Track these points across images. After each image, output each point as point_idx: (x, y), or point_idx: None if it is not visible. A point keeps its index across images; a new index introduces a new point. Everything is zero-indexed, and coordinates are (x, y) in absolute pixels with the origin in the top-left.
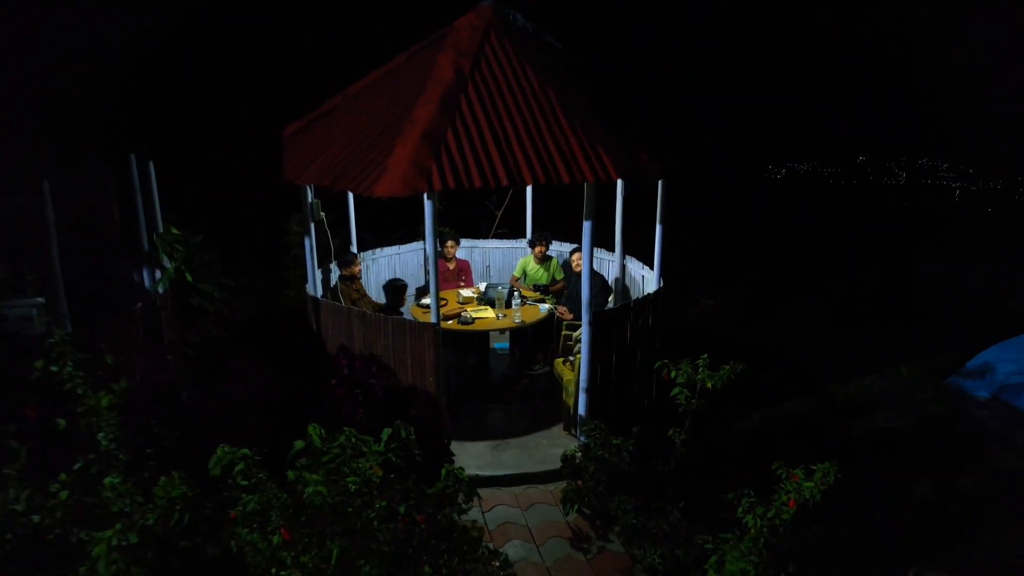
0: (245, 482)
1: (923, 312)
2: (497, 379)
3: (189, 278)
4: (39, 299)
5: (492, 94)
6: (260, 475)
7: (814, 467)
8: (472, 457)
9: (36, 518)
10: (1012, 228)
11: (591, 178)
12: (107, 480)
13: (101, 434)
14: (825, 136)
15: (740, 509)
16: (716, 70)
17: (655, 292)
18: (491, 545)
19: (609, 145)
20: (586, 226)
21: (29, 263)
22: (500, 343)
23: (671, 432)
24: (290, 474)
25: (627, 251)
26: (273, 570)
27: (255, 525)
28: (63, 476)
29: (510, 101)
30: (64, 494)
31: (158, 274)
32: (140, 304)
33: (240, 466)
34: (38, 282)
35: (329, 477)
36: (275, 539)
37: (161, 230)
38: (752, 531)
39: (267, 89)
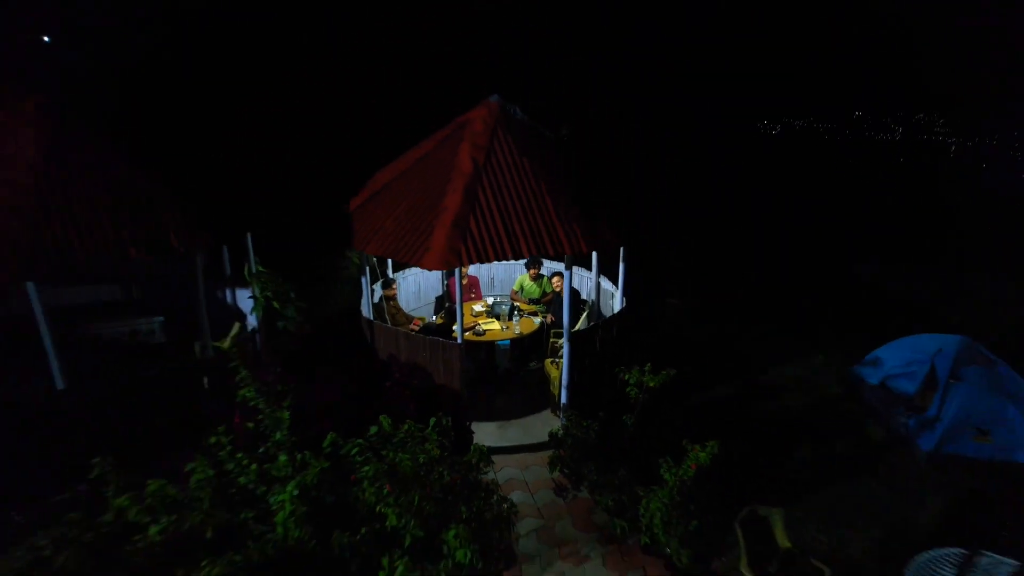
0: (359, 458)
1: (851, 313)
2: (501, 372)
3: (276, 305)
4: (159, 318)
5: (500, 185)
6: (368, 454)
7: (707, 443)
8: (485, 433)
9: (242, 479)
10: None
11: (569, 251)
12: (281, 458)
13: (277, 433)
14: (822, 92)
15: (661, 470)
16: (710, 27)
17: (618, 313)
18: (502, 494)
19: (582, 224)
20: (566, 274)
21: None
22: (503, 341)
23: (625, 417)
24: (388, 452)
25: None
26: (379, 508)
27: (367, 483)
28: (247, 459)
29: (512, 191)
30: (254, 467)
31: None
32: (250, 327)
33: (355, 448)
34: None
35: (405, 461)
36: (384, 491)
37: (254, 269)
38: (668, 484)
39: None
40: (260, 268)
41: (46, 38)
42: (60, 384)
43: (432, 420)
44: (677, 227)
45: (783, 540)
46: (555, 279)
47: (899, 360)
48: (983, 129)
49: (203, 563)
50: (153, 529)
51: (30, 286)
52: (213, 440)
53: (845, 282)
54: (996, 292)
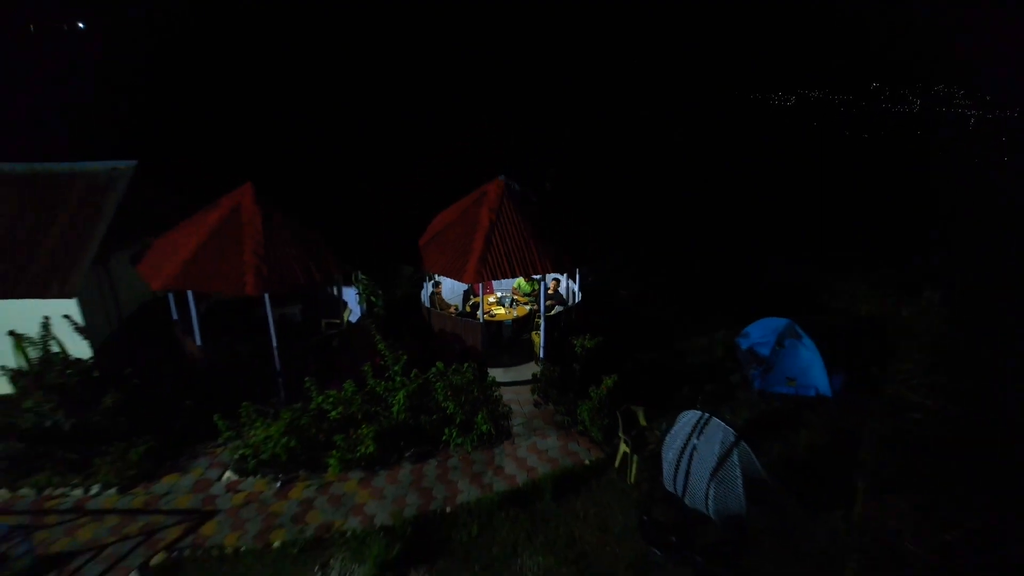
0: (434, 380)
1: (751, 300)
2: (505, 339)
3: (373, 299)
4: (299, 305)
5: (505, 234)
6: (443, 378)
7: (608, 378)
8: (495, 374)
9: (378, 389)
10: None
11: (541, 271)
12: (396, 380)
13: (395, 367)
14: (839, 62)
15: (590, 391)
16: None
17: (575, 304)
18: (504, 403)
19: (551, 255)
20: (542, 284)
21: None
22: (507, 320)
23: (574, 364)
24: (453, 377)
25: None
26: (443, 403)
27: (439, 390)
28: (380, 380)
29: (511, 238)
30: (383, 383)
31: (356, 297)
32: (364, 314)
33: (432, 374)
34: (305, 298)
35: (456, 378)
36: (450, 402)
37: (360, 277)
38: (592, 399)
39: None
40: (363, 276)
41: (80, 24)
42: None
43: (465, 365)
44: (630, 242)
45: (642, 421)
46: (551, 282)
47: (758, 334)
48: (1005, 100)
49: (359, 429)
50: (333, 413)
51: (266, 296)
52: (366, 368)
53: (757, 276)
54: (854, 288)
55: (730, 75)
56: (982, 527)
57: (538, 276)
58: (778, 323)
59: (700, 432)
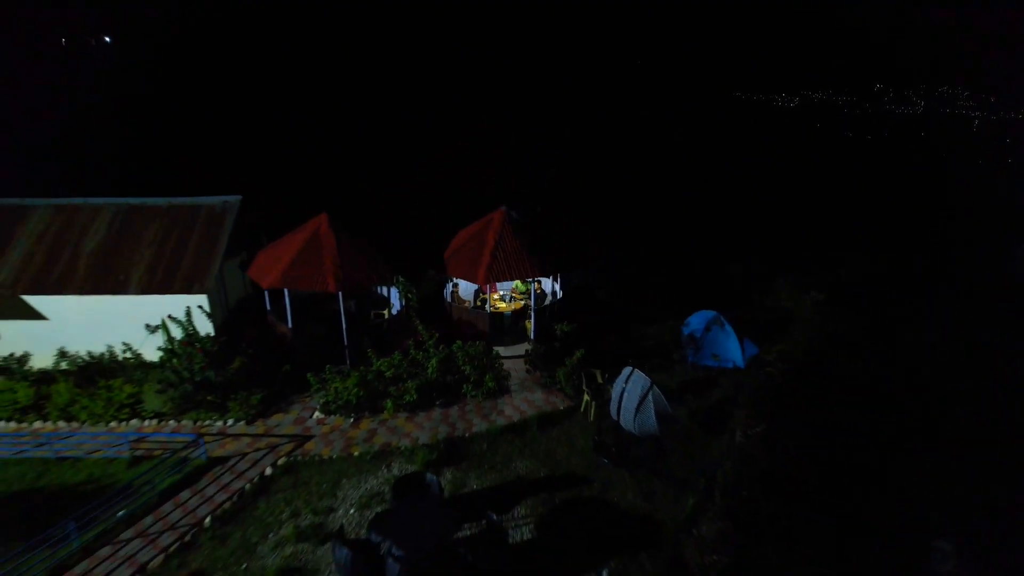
0: (460, 353)
1: (705, 296)
2: (506, 326)
3: (409, 295)
4: (354, 300)
5: (506, 251)
6: (462, 350)
7: (579, 351)
8: (499, 350)
9: (418, 356)
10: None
11: (531, 276)
12: (430, 351)
13: (430, 342)
14: (842, 63)
15: (565, 360)
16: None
17: (558, 299)
18: (505, 369)
19: (538, 264)
20: (533, 285)
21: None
22: (507, 312)
23: (555, 343)
24: (469, 350)
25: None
26: (463, 366)
27: (460, 357)
28: (399, 355)
29: (509, 253)
30: (421, 353)
31: (396, 294)
32: (403, 307)
33: (460, 346)
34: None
35: (471, 350)
36: (467, 366)
37: (400, 279)
38: (567, 366)
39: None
40: (402, 279)
41: (107, 38)
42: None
43: (478, 342)
44: (612, 244)
45: (599, 379)
46: (537, 284)
47: (696, 322)
48: (1010, 102)
49: (405, 383)
50: (388, 372)
51: (339, 294)
52: (410, 343)
53: (717, 276)
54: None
55: (732, 76)
56: (804, 442)
57: (530, 280)
58: (708, 314)
59: (629, 380)
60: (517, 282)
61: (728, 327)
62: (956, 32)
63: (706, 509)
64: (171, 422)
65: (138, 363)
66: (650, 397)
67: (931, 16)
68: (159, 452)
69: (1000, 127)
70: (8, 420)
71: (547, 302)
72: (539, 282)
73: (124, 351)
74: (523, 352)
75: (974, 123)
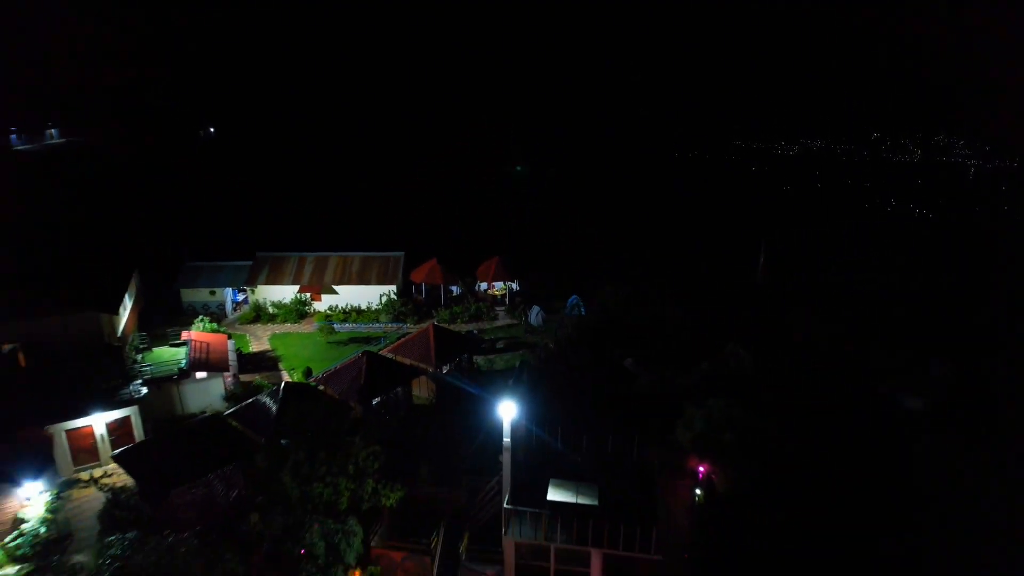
0: (483, 303)
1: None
2: (499, 300)
3: (464, 289)
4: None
5: (498, 275)
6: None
7: (525, 306)
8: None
9: None
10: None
11: (504, 279)
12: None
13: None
14: (841, 112)
15: (519, 308)
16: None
17: (516, 290)
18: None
19: (505, 276)
20: (509, 284)
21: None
22: (499, 296)
23: (517, 300)
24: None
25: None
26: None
27: (483, 307)
28: None
29: (500, 275)
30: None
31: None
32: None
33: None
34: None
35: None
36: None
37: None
38: (518, 307)
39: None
40: (461, 281)
41: (212, 129)
42: None
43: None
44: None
45: (523, 313)
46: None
47: (571, 300)
48: (1006, 150)
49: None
50: (472, 308)
51: (441, 285)
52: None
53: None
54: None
55: (732, 125)
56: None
57: (503, 281)
58: (575, 297)
59: (532, 308)
60: (501, 282)
61: (578, 299)
62: (953, 81)
63: (559, 335)
64: (390, 324)
65: (373, 309)
66: (538, 309)
67: (928, 66)
68: (388, 330)
69: (996, 176)
70: (343, 322)
71: (512, 289)
72: (510, 283)
73: (368, 303)
74: (504, 310)
75: (970, 171)
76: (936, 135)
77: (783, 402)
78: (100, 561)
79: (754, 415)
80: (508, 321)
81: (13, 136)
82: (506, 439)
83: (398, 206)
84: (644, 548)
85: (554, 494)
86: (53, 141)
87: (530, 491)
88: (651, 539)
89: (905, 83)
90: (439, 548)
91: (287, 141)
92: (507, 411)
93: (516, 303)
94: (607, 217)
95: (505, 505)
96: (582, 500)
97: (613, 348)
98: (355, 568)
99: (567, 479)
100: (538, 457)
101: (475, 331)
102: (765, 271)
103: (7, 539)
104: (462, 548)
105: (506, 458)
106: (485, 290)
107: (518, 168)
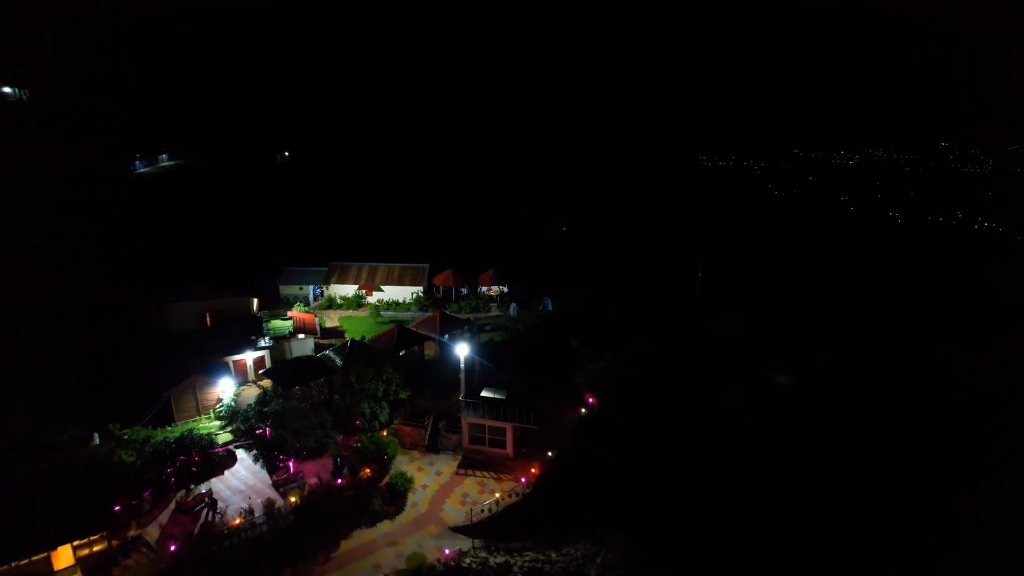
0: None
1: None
2: (495, 299)
3: (468, 290)
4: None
5: (495, 280)
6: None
7: (513, 304)
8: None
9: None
10: None
11: (499, 284)
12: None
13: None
14: (906, 120)
15: (507, 304)
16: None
17: (505, 293)
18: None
19: (499, 281)
20: (500, 287)
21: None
22: (494, 296)
23: (497, 301)
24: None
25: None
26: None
27: (481, 300)
28: None
29: (494, 281)
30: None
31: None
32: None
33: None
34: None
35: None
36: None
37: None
38: (505, 304)
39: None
40: (469, 284)
41: (286, 152)
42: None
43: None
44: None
45: (509, 308)
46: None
47: (548, 301)
48: None
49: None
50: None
51: (452, 287)
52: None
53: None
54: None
55: (786, 134)
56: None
57: (497, 285)
58: (547, 298)
59: (511, 305)
60: (496, 286)
61: (548, 300)
62: None
63: (529, 322)
64: (417, 312)
65: (406, 302)
66: (515, 305)
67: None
68: (415, 316)
69: None
70: (386, 310)
71: (503, 292)
72: (502, 286)
73: (404, 298)
74: (495, 306)
75: None
76: (1012, 144)
77: (657, 364)
78: (264, 408)
79: (625, 367)
80: (497, 313)
81: (137, 162)
82: (462, 365)
83: (430, 230)
84: (528, 421)
85: (485, 393)
86: (164, 164)
87: (475, 393)
88: (531, 418)
89: (980, 92)
90: (429, 426)
91: (346, 166)
92: (462, 350)
93: (505, 301)
94: (602, 244)
95: (460, 398)
96: (498, 396)
97: (567, 332)
98: (383, 430)
99: (492, 387)
100: (480, 376)
101: (472, 318)
102: (702, 284)
103: (216, 408)
104: (441, 425)
105: (463, 376)
106: (485, 291)
107: (563, 229)
